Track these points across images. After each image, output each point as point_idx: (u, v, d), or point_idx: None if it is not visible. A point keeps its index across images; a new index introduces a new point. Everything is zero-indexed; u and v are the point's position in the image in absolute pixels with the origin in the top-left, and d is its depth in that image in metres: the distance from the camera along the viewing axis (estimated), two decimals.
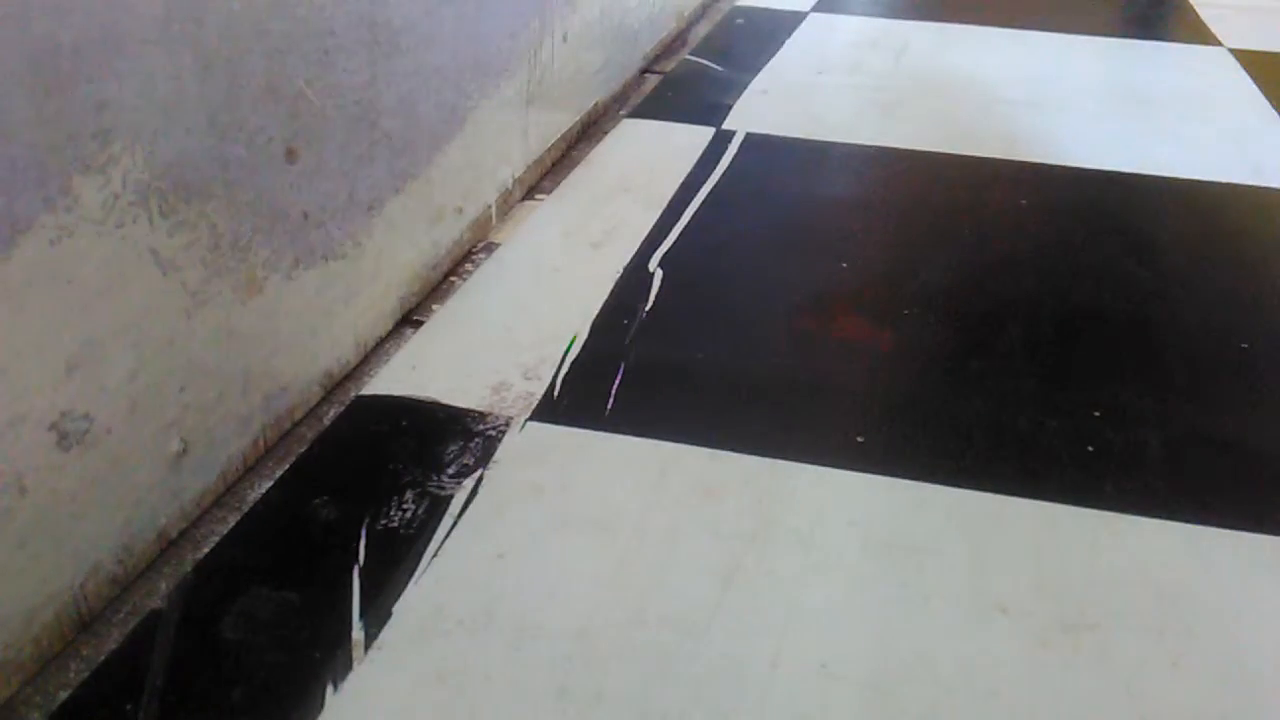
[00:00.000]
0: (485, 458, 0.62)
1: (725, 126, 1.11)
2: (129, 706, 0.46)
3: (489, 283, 0.83)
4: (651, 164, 1.02)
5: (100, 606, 0.51)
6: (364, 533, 0.56)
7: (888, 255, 0.87)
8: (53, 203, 0.44)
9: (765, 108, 1.17)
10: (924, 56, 1.36)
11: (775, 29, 1.45)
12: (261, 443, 0.62)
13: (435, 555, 0.55)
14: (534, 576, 0.54)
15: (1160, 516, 0.59)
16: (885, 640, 0.51)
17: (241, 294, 0.58)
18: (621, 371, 0.71)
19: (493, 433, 0.64)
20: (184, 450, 0.55)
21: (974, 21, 1.51)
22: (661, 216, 0.91)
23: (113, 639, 0.50)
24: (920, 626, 0.51)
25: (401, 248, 0.76)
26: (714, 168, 1.01)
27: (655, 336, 0.75)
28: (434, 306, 0.79)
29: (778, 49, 1.37)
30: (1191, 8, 1.62)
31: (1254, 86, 1.27)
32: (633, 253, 0.85)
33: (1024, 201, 0.97)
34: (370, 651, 0.49)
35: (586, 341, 0.74)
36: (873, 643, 0.50)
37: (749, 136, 1.09)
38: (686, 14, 1.44)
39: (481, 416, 0.66)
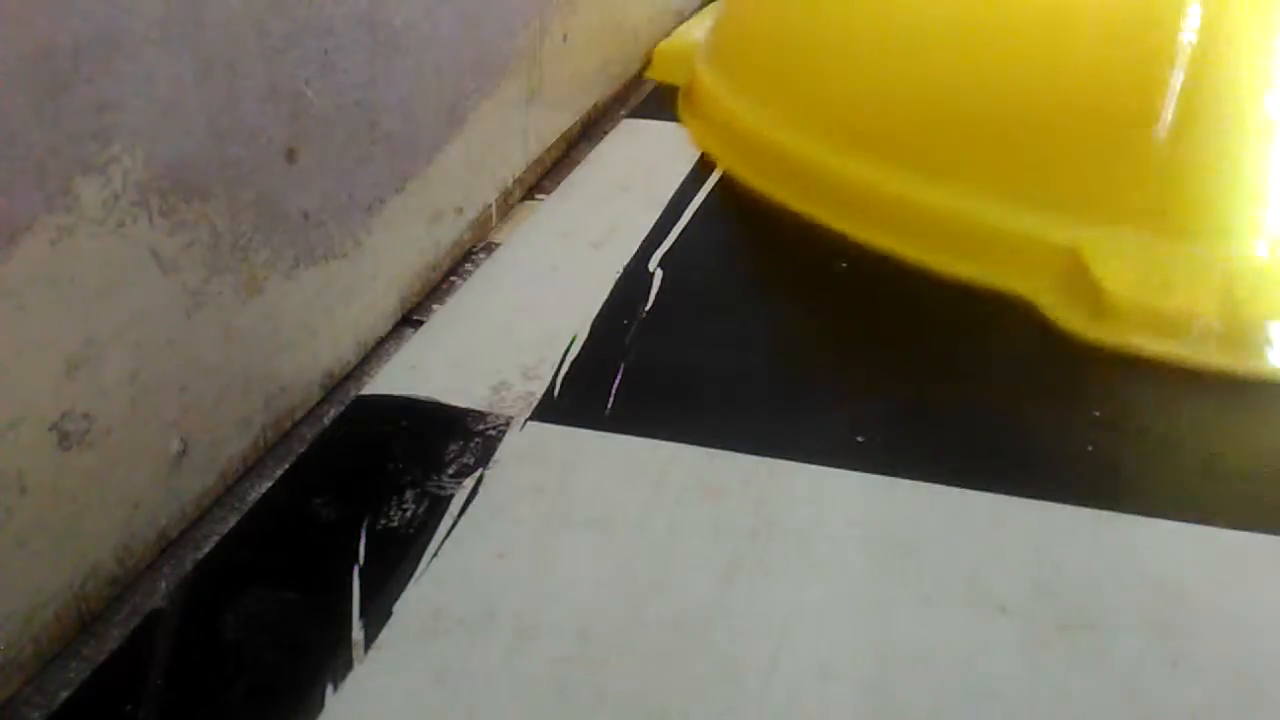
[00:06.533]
0: (485, 457, 0.62)
1: None
2: (129, 706, 0.46)
3: (489, 283, 0.83)
4: (651, 164, 1.02)
5: (100, 606, 0.51)
6: (364, 532, 0.56)
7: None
8: (53, 203, 0.45)
9: None
10: None
11: None
12: (262, 443, 0.62)
13: (435, 555, 0.55)
14: (534, 576, 0.54)
15: (1161, 516, 0.59)
16: (885, 640, 0.51)
17: (242, 294, 0.58)
18: (621, 371, 0.71)
19: (493, 433, 0.64)
20: (184, 450, 0.55)
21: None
22: (661, 216, 0.91)
23: (113, 639, 0.50)
24: (920, 626, 0.51)
25: (401, 247, 0.76)
26: (715, 167, 1.01)
27: (655, 336, 0.75)
28: (434, 306, 0.79)
29: None
30: None
31: None
32: (633, 253, 0.85)
33: None
34: (370, 651, 0.49)
35: (586, 341, 0.74)
36: (873, 643, 0.50)
37: None
38: (687, 14, 1.44)
39: (481, 416, 0.66)
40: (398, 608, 0.52)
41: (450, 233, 0.84)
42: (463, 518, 0.57)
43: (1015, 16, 0.82)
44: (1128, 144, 0.77)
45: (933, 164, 0.84)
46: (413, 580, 0.53)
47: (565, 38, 1.03)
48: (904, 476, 0.61)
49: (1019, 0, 0.83)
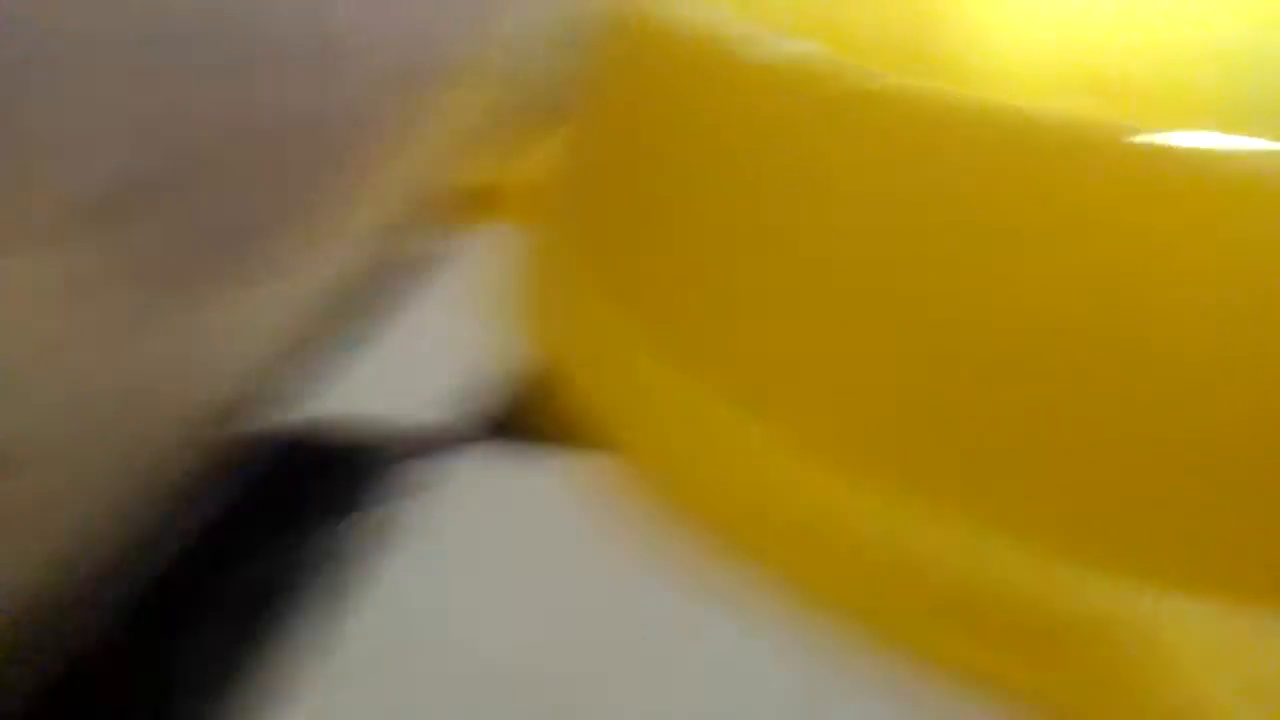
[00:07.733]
0: (430, 479, 0.61)
1: None
2: None
3: (438, 298, 0.81)
4: None
5: (31, 640, 0.49)
6: (301, 563, 0.54)
7: None
8: None
9: None
10: None
11: None
12: (195, 469, 0.60)
13: (379, 584, 0.53)
14: (483, 604, 0.52)
15: None
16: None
17: (179, 315, 0.56)
18: None
19: (439, 453, 0.63)
20: (117, 479, 0.53)
21: None
22: None
23: (35, 679, 0.48)
24: None
25: (347, 262, 0.74)
26: None
27: None
28: (380, 323, 0.78)
29: None
30: None
31: None
32: None
33: None
34: (311, 687, 0.48)
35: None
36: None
37: None
38: None
39: (427, 436, 0.64)
40: (338, 642, 0.50)
41: (400, 246, 0.82)
42: (407, 544, 0.56)
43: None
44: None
45: (916, 478, 0.50)
46: (354, 613, 0.52)
47: (533, 40, 1.02)
48: None
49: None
